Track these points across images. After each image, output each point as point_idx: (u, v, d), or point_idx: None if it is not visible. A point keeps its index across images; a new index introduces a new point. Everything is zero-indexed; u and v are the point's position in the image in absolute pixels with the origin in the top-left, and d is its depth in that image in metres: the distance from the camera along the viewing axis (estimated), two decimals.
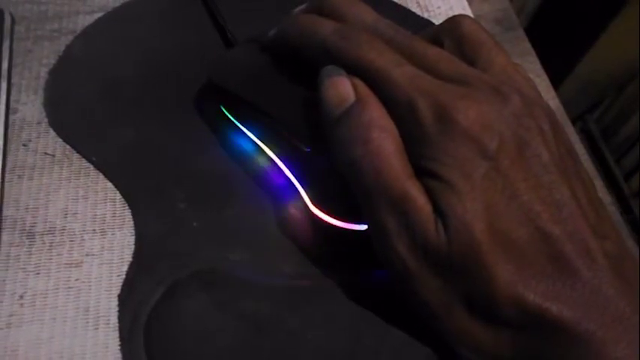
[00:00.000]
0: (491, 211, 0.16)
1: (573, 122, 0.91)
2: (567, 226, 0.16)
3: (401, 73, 0.17)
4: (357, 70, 0.18)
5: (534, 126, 0.16)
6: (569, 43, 0.78)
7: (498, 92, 0.17)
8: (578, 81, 0.82)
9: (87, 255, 0.19)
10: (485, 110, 0.16)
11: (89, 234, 0.20)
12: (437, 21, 0.27)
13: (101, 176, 0.21)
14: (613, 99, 0.87)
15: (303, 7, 0.21)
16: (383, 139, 0.16)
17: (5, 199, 0.20)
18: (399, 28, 0.19)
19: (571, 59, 0.81)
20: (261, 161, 0.21)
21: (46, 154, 0.21)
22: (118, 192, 0.21)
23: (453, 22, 0.19)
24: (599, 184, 0.24)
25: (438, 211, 0.16)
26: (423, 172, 0.16)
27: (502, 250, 0.15)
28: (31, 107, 0.22)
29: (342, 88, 0.17)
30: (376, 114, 0.17)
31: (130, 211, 0.20)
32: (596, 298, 0.15)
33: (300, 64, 0.19)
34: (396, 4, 0.28)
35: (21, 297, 0.18)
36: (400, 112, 0.17)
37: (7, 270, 0.19)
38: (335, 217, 0.19)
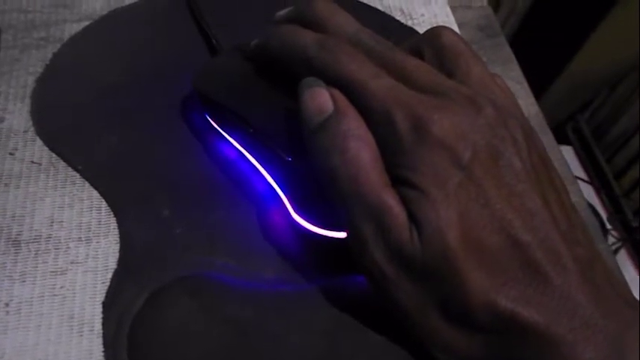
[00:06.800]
0: (464, 219, 0.16)
1: (565, 122, 0.91)
2: (539, 233, 0.16)
3: (378, 84, 0.17)
4: (336, 81, 0.18)
5: (508, 136, 0.17)
6: (560, 43, 0.79)
7: (473, 103, 0.17)
8: (569, 81, 0.83)
9: (72, 263, 0.19)
10: (460, 121, 0.17)
11: (74, 242, 0.20)
12: (420, 28, 0.28)
13: (87, 184, 0.21)
14: (604, 99, 0.87)
15: (285, 11, 0.21)
16: (359, 148, 0.17)
17: None
18: (380, 39, 0.19)
19: (562, 59, 0.81)
20: (245, 169, 0.22)
21: (32, 162, 0.22)
22: (103, 200, 0.21)
23: (433, 33, 0.20)
24: (580, 187, 0.24)
25: (413, 219, 0.16)
26: (398, 181, 0.17)
27: (475, 257, 0.16)
28: (18, 116, 0.23)
29: (320, 99, 0.18)
30: (353, 124, 0.17)
31: (115, 218, 0.21)
32: (566, 303, 0.15)
33: (283, 74, 0.20)
34: (379, 11, 0.28)
35: (6, 305, 0.18)
36: (377, 122, 0.17)
37: None
38: (316, 225, 0.20)
